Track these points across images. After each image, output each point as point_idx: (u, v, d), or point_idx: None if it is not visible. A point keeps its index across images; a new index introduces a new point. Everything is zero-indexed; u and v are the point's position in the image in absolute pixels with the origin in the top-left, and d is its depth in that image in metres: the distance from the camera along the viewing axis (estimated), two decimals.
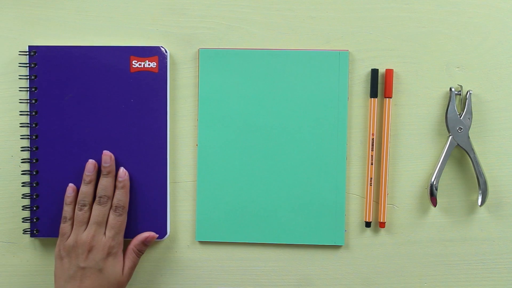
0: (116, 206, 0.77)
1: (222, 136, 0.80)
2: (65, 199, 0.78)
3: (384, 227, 0.80)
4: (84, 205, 0.77)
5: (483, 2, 0.78)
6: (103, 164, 0.78)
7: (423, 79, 0.79)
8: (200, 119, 0.80)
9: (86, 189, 0.77)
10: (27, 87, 0.81)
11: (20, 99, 0.81)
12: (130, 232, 0.80)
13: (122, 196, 0.77)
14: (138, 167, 0.80)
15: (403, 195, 0.80)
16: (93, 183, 0.78)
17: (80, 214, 0.77)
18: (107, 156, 0.78)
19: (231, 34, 0.80)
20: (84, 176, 0.78)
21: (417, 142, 0.80)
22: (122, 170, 0.78)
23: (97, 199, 0.77)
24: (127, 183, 0.78)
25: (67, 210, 0.78)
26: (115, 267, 0.76)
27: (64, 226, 0.77)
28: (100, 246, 0.75)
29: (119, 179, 0.78)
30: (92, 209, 0.77)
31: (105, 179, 0.77)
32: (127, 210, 0.78)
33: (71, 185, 0.79)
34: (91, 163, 0.78)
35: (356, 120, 0.80)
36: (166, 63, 0.80)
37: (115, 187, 0.78)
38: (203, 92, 0.80)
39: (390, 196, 0.80)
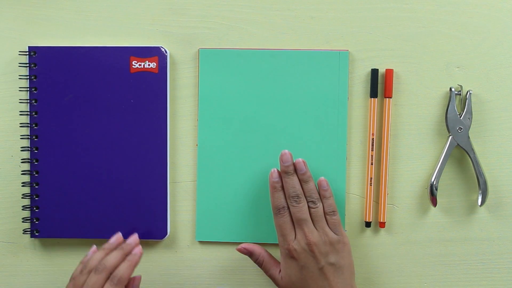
0: (113, 276, 0.71)
1: (222, 136, 0.80)
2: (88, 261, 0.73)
3: (384, 227, 0.80)
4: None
5: (483, 2, 0.78)
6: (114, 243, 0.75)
7: (423, 79, 0.79)
8: (200, 119, 0.80)
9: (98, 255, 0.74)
10: (27, 87, 0.81)
11: (20, 99, 0.81)
12: (130, 232, 0.80)
13: (125, 268, 0.72)
14: (138, 167, 0.80)
15: (403, 195, 0.80)
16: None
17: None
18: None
19: (231, 34, 0.80)
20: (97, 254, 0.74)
21: (417, 142, 0.80)
22: (134, 239, 0.75)
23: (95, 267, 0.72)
24: (137, 259, 0.73)
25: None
26: None
27: (79, 276, 0.72)
28: None
29: (131, 251, 0.74)
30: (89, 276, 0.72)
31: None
32: (125, 283, 0.72)
33: (93, 249, 0.76)
34: (114, 239, 0.75)
35: (356, 120, 0.80)
36: (166, 63, 0.80)
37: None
38: (203, 92, 0.80)
39: (390, 196, 0.80)
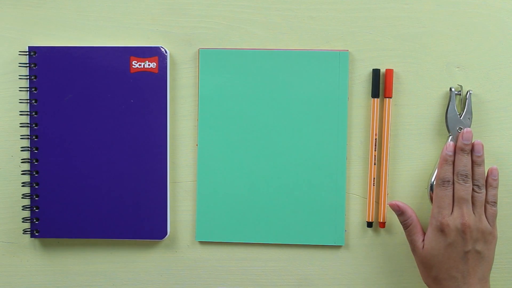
0: None
1: (222, 136, 0.80)
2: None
3: (384, 227, 0.80)
4: None
5: (483, 2, 0.78)
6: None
7: (423, 79, 0.79)
8: (200, 119, 0.80)
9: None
10: (27, 87, 0.81)
11: (20, 99, 0.81)
12: (130, 232, 0.80)
13: None
14: (138, 167, 0.80)
15: (403, 195, 0.80)
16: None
17: None
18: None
19: (231, 34, 0.80)
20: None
21: (417, 142, 0.80)
22: None
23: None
24: None
25: None
26: None
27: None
28: None
29: None
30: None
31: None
32: None
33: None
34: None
35: (356, 120, 0.80)
36: (166, 63, 0.80)
37: None
38: (203, 92, 0.80)
39: (390, 196, 0.80)
